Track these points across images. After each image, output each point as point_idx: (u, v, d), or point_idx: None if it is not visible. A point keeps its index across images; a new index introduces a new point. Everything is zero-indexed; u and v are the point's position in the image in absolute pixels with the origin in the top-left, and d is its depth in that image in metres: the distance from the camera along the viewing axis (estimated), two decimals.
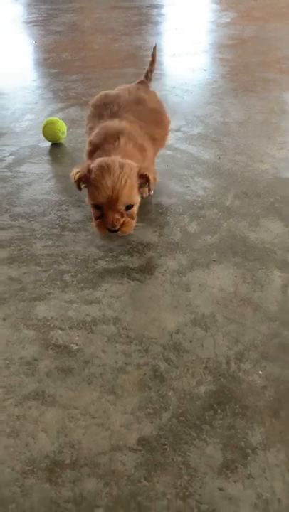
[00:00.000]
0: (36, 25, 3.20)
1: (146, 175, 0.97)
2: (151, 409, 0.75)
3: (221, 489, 0.64)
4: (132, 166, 0.96)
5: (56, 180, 1.39)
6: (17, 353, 0.85)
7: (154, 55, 1.32)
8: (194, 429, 0.72)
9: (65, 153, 1.54)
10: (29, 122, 1.76)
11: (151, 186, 1.01)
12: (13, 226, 1.19)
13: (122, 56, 2.48)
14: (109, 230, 0.96)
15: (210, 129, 1.65)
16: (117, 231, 0.96)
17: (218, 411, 0.74)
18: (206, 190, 1.30)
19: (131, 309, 0.94)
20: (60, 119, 1.61)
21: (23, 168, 1.46)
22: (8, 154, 1.54)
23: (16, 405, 0.76)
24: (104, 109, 1.14)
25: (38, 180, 1.39)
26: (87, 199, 0.99)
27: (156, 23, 3.16)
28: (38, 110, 1.86)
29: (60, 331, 0.89)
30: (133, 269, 1.03)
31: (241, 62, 2.34)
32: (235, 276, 1.00)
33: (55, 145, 1.59)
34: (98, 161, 0.96)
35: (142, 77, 1.29)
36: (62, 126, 1.57)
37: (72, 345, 0.86)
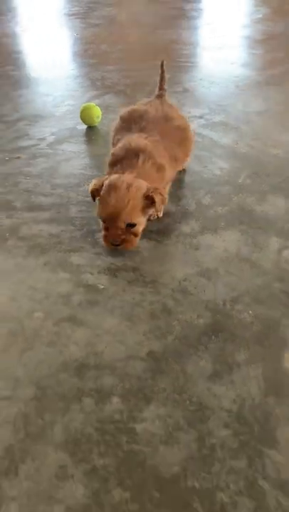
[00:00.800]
0: (77, 18, 3.40)
1: (152, 197, 1.05)
2: (159, 332, 0.94)
3: (208, 389, 0.83)
4: (140, 187, 1.04)
5: (90, 158, 1.60)
6: (55, 289, 1.06)
7: (162, 70, 1.40)
8: (192, 348, 0.91)
9: (99, 135, 1.74)
10: (68, 107, 1.97)
11: (158, 208, 1.08)
12: (53, 194, 1.40)
13: (155, 49, 2.65)
14: (112, 244, 1.07)
15: (231, 117, 1.82)
16: (118, 245, 1.07)
17: (213, 337, 0.93)
18: (222, 170, 1.48)
19: (148, 262, 1.13)
20: (96, 105, 1.81)
21: (62, 147, 1.67)
22: (49, 134, 1.76)
23: (53, 325, 0.97)
24: (133, 123, 1.22)
25: (75, 157, 1.60)
26: (96, 211, 1.10)
27: (191, 18, 3.32)
28: (77, 97, 2.06)
29: (89, 275, 1.09)
30: (152, 232, 1.22)
31: (268, 57, 2.48)
32: (239, 240, 1.18)
33: (91, 128, 1.79)
34: (110, 178, 1.06)
35: (157, 91, 1.37)
36: (98, 111, 1.77)
37: (99, 285, 1.06)
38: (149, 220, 1.26)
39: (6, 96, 2.12)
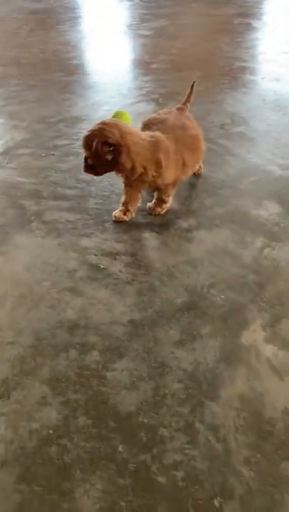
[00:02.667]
0: (130, 29, 3.64)
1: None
2: (142, 306, 1.12)
3: (172, 353, 1.00)
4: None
5: None
6: (63, 265, 1.26)
7: (191, 89, 1.55)
8: (166, 320, 1.08)
9: None
10: (104, 112, 2.18)
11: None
12: (76, 187, 1.61)
13: (194, 61, 2.83)
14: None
15: (249, 129, 1.96)
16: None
17: (185, 313, 1.10)
18: (228, 176, 1.63)
19: (146, 249, 1.31)
20: (129, 112, 2.00)
21: None
22: None
23: (57, 292, 1.17)
24: (151, 128, 1.40)
25: None
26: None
27: (235, 32, 3.46)
28: (113, 103, 2.28)
29: (94, 256, 1.29)
30: (155, 225, 1.41)
31: None
32: (227, 237, 1.34)
33: None
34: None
35: (180, 104, 1.53)
36: (128, 118, 1.96)
37: (100, 265, 1.26)
38: (150, 214, 1.44)
39: (52, 99, 2.37)
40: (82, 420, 0.88)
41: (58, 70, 2.79)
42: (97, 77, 2.67)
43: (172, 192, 1.43)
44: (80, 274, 1.23)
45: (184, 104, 1.55)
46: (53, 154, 1.84)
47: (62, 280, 1.21)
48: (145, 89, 2.43)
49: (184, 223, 1.41)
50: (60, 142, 1.93)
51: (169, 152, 1.33)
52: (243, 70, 2.68)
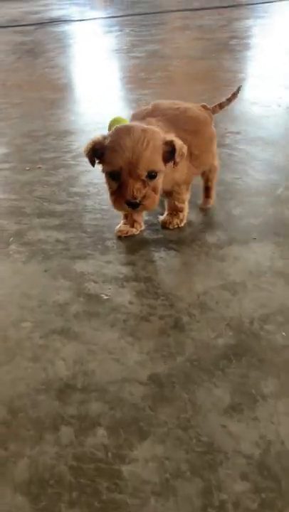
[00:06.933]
0: (120, 53, 3.44)
1: (172, 141, 0.85)
2: (167, 352, 0.76)
3: (223, 426, 0.63)
4: (156, 131, 0.85)
5: None
6: (51, 297, 0.90)
7: (235, 93, 1.24)
8: (206, 373, 0.71)
9: None
10: (99, 125, 1.89)
11: (178, 157, 0.87)
12: (68, 201, 1.28)
13: (193, 76, 2.59)
14: (129, 204, 0.83)
15: (270, 133, 1.67)
16: (138, 205, 0.83)
17: (234, 361, 0.73)
18: (257, 182, 1.31)
19: (163, 272, 0.96)
20: (127, 117, 1.71)
21: (86, 159, 1.56)
22: (75, 147, 1.67)
23: (41, 337, 0.81)
24: (138, 118, 1.04)
25: (97, 169, 1.48)
26: (102, 168, 0.88)
27: (234, 50, 3.26)
28: (108, 114, 1.98)
29: (93, 284, 0.94)
30: (171, 241, 1.06)
31: None
32: (273, 253, 0.99)
33: None
34: (116, 127, 0.88)
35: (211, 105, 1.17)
36: (126, 123, 1.67)
37: (102, 295, 0.90)
38: (167, 228, 1.11)
39: (39, 115, 2.08)
40: None
41: (46, 89, 2.53)
42: (88, 91, 2.40)
43: (187, 195, 1.08)
44: (75, 309, 0.87)
45: (216, 106, 1.18)
46: (40, 167, 1.52)
47: (48, 319, 0.85)
48: (144, 101, 2.15)
49: (210, 237, 1.07)
50: (47, 155, 1.62)
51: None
52: (251, 80, 2.44)
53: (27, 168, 1.51)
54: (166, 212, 1.12)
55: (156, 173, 0.84)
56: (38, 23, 4.78)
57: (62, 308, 0.87)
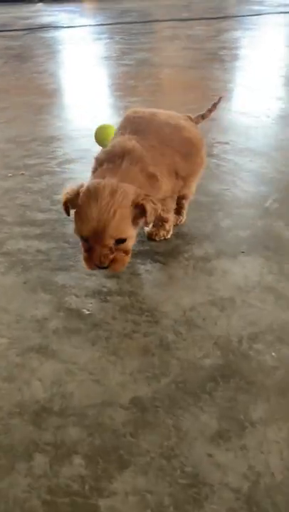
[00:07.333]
0: (109, 60, 3.42)
1: (142, 204, 0.82)
2: (151, 373, 0.71)
3: (209, 455, 0.59)
4: (127, 192, 0.82)
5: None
6: (29, 312, 0.86)
7: (216, 104, 1.23)
8: (192, 396, 0.67)
9: None
10: (87, 131, 1.85)
11: (148, 219, 0.84)
12: (51, 210, 1.23)
13: (184, 84, 2.57)
14: (98, 267, 0.82)
15: (259, 144, 1.64)
16: (106, 268, 0.82)
17: (221, 383, 0.69)
18: (246, 193, 1.28)
19: (148, 286, 0.92)
20: (114, 124, 1.68)
21: (71, 166, 1.53)
22: (61, 154, 1.63)
23: (17, 355, 0.76)
24: (130, 124, 1.00)
25: (83, 177, 1.44)
26: (73, 228, 0.86)
27: (224, 60, 3.27)
28: (96, 121, 1.95)
29: (74, 297, 0.89)
30: (157, 253, 1.02)
31: None
32: (262, 267, 0.96)
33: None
34: (89, 184, 0.85)
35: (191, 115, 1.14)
36: (112, 130, 1.63)
37: (83, 310, 0.86)
38: (153, 240, 1.07)
39: (25, 120, 2.03)
40: None
41: (34, 94, 2.48)
42: (77, 97, 2.37)
43: (172, 204, 1.04)
44: (54, 325, 0.82)
45: (198, 117, 1.15)
46: (23, 174, 1.47)
47: (26, 335, 0.80)
48: (134, 108, 2.12)
49: (197, 250, 1.03)
50: (31, 161, 1.57)
51: (156, 163, 0.92)
52: (240, 90, 2.43)
53: (9, 175, 1.47)
54: (150, 224, 1.08)
55: (124, 239, 0.82)
56: (27, 29, 4.75)
57: (41, 324, 0.82)
